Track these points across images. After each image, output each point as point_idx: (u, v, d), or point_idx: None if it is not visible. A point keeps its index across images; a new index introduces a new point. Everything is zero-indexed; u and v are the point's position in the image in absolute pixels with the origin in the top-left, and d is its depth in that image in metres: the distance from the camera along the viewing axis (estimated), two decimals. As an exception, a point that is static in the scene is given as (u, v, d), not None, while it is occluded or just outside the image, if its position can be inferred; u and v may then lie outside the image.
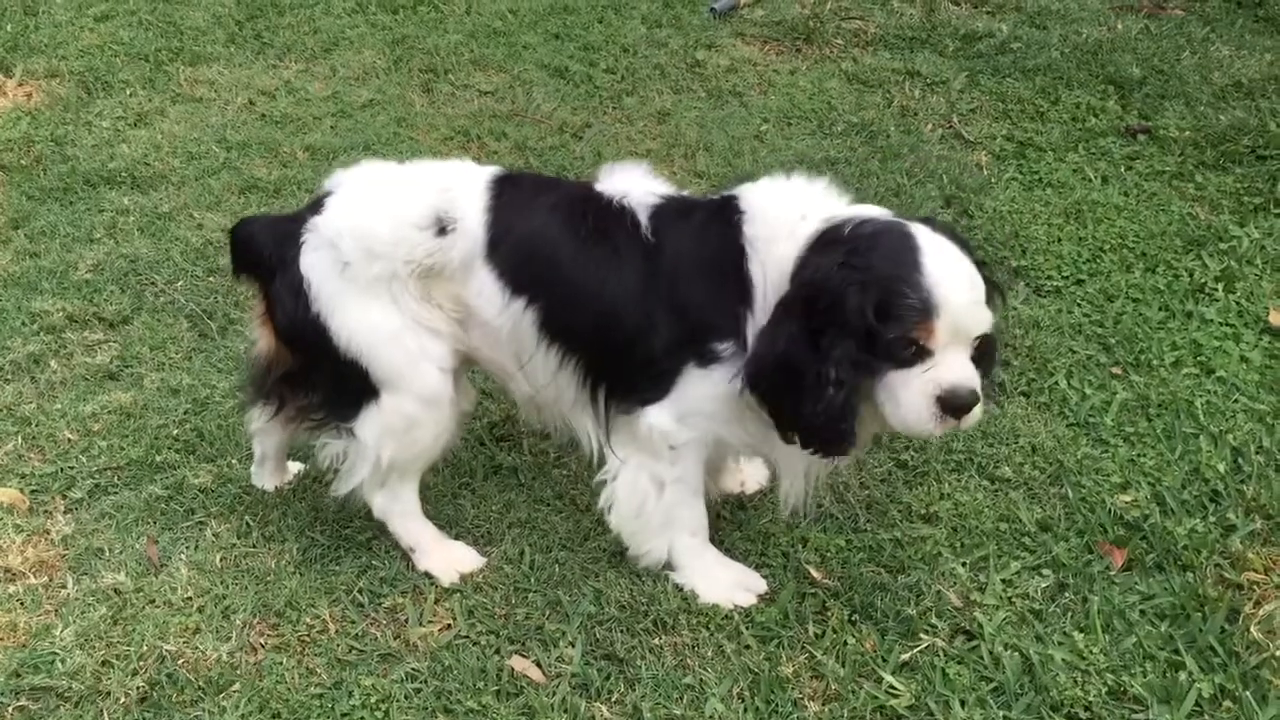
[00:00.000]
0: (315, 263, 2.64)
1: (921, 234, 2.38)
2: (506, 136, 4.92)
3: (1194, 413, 3.35)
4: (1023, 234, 4.23)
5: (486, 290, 2.64)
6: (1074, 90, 5.26)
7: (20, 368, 3.55)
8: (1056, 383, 3.49)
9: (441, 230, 2.61)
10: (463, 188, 2.67)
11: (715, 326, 2.54)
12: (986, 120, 5.08)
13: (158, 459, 3.21)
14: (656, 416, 2.62)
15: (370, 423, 2.71)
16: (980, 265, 2.43)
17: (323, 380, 2.73)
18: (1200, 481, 3.12)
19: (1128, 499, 3.07)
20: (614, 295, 2.57)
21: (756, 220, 2.54)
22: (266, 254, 2.70)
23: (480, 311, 2.67)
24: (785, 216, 2.52)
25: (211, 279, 3.99)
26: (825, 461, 2.61)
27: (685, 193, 2.75)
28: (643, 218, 2.59)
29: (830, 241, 2.42)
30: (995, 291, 2.47)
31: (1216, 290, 3.89)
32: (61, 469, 3.18)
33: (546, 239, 2.63)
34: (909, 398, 2.35)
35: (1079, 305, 3.86)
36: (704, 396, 2.57)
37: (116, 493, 3.11)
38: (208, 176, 4.62)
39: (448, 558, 2.89)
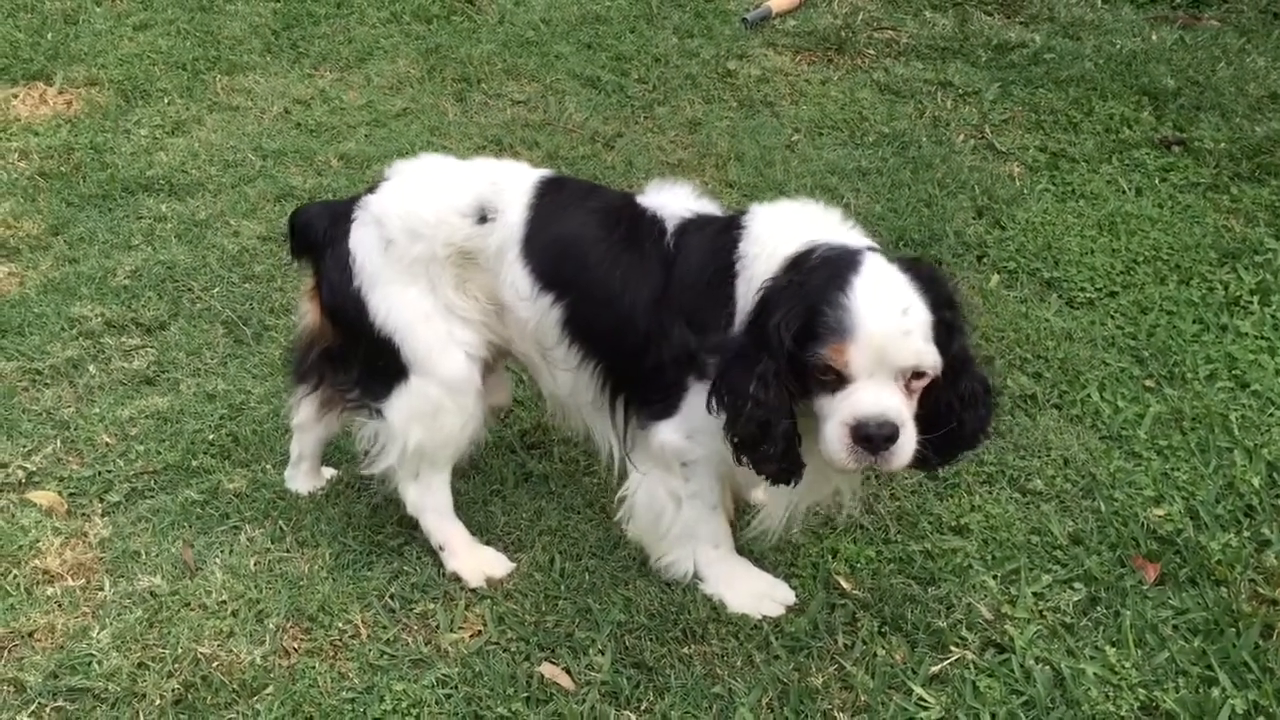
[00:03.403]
0: (362, 238, 2.75)
1: (871, 263, 2.29)
2: (539, 145, 4.95)
3: (1228, 426, 3.33)
4: (1055, 245, 4.21)
5: (517, 282, 2.70)
6: (1108, 101, 5.24)
7: (59, 372, 3.60)
8: (1089, 395, 3.47)
9: (482, 219, 2.70)
10: (510, 184, 2.75)
11: (709, 339, 2.56)
12: (1019, 131, 5.07)
13: (193, 463, 3.25)
14: (667, 434, 2.65)
15: (399, 405, 2.78)
16: (943, 305, 2.30)
17: (358, 357, 2.81)
18: (1234, 496, 3.10)
19: (1161, 513, 3.05)
20: (631, 300, 2.62)
21: (751, 238, 2.54)
22: (321, 233, 2.82)
23: (510, 303, 2.73)
24: (776, 238, 2.50)
25: (247, 285, 4.03)
26: (808, 494, 2.62)
27: (723, 211, 2.75)
28: (669, 228, 2.64)
29: (795, 265, 2.39)
30: (949, 332, 2.31)
31: (1252, 303, 3.87)
32: (99, 472, 3.22)
33: (578, 240, 2.69)
34: (828, 427, 2.29)
35: (1112, 317, 3.84)
36: (709, 415, 2.54)
37: (153, 497, 3.15)
38: (244, 184, 4.67)
39: (477, 561, 2.92)
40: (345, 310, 2.76)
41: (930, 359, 2.25)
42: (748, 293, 2.48)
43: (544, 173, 2.81)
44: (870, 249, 2.39)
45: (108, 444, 3.33)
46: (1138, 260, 4.12)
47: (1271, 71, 5.44)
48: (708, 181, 4.66)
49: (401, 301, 2.72)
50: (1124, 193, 4.57)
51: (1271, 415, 3.38)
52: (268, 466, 3.24)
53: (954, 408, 2.35)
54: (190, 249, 4.24)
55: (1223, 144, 4.83)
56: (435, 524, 2.94)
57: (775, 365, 2.29)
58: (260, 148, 4.93)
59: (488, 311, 2.77)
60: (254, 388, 3.53)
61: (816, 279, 2.29)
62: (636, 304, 2.61)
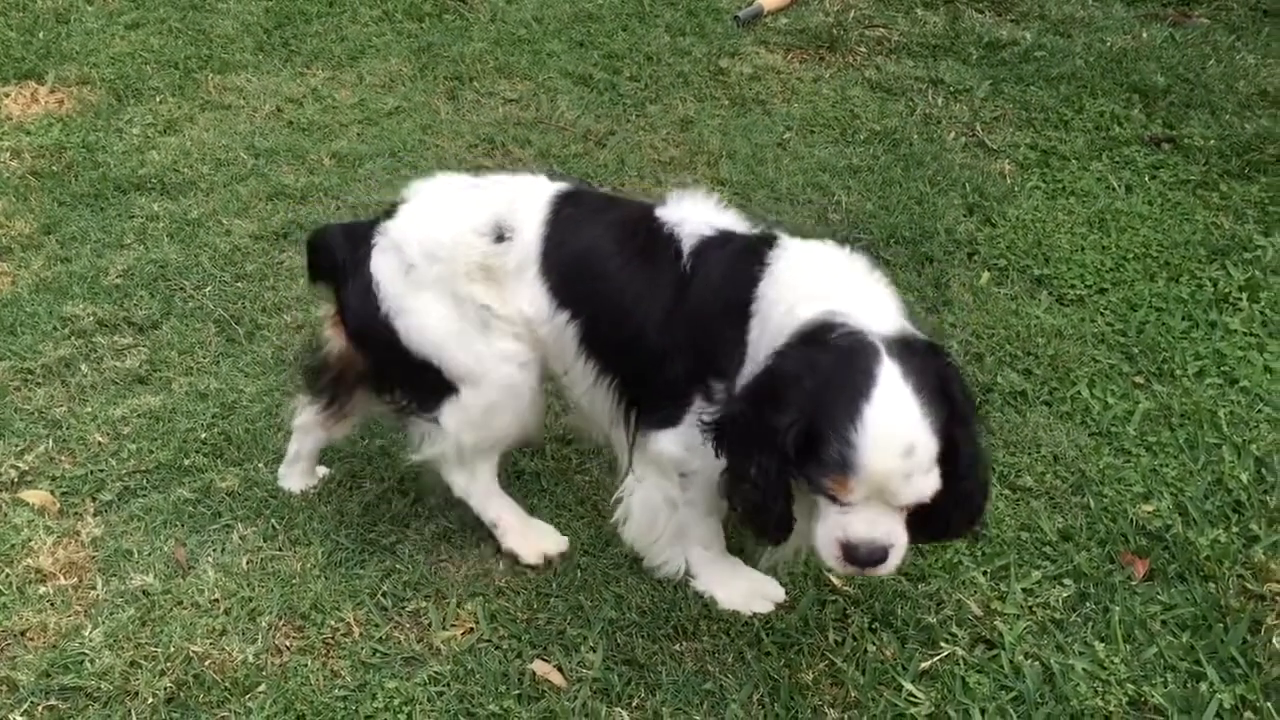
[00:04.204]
0: (383, 264, 2.75)
1: (886, 375, 2.16)
2: (531, 144, 4.95)
3: (1217, 423, 3.35)
4: (1046, 243, 4.22)
5: (537, 299, 2.70)
6: (1098, 99, 5.25)
7: (51, 371, 3.61)
8: (1079, 392, 3.49)
9: (499, 238, 2.69)
10: (526, 201, 2.73)
11: (716, 366, 2.53)
12: (1010, 129, 5.08)
13: (186, 462, 3.25)
14: (667, 443, 2.64)
15: (451, 414, 2.80)
16: (954, 422, 2.19)
17: (399, 378, 2.83)
18: (1223, 492, 3.12)
19: (1150, 509, 3.06)
20: (644, 316, 2.60)
21: (773, 280, 2.48)
22: (340, 258, 2.82)
23: (531, 319, 2.73)
24: (798, 290, 2.42)
25: (240, 284, 4.04)
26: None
27: (744, 228, 2.67)
28: (686, 246, 2.59)
29: (810, 341, 2.29)
30: (956, 451, 2.21)
31: (1241, 300, 3.89)
32: (91, 471, 3.23)
33: (593, 255, 2.68)
34: (820, 529, 2.27)
35: (1102, 314, 3.86)
36: None
37: (145, 495, 3.16)
38: (236, 183, 4.67)
39: (532, 537, 2.95)
40: (375, 336, 2.77)
41: (929, 490, 2.19)
42: (759, 340, 2.43)
43: (561, 186, 2.80)
44: (886, 342, 2.22)
45: (100, 443, 3.33)
46: (1127, 257, 4.14)
47: (1261, 69, 5.46)
48: (699, 179, 4.67)
49: (433, 323, 2.73)
50: (1114, 190, 4.59)
51: (1260, 411, 3.40)
52: (260, 465, 3.24)
53: (946, 507, 2.27)
54: (182, 248, 4.24)
55: (1212, 141, 4.85)
56: (484, 503, 2.97)
57: (775, 463, 2.25)
58: (252, 146, 4.93)
59: (517, 324, 2.76)
60: (246, 386, 3.54)
61: (827, 392, 2.18)
62: (649, 321, 2.59)
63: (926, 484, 2.17)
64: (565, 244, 2.69)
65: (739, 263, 2.54)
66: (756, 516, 2.38)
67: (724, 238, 2.62)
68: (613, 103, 5.34)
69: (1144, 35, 5.87)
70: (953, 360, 2.31)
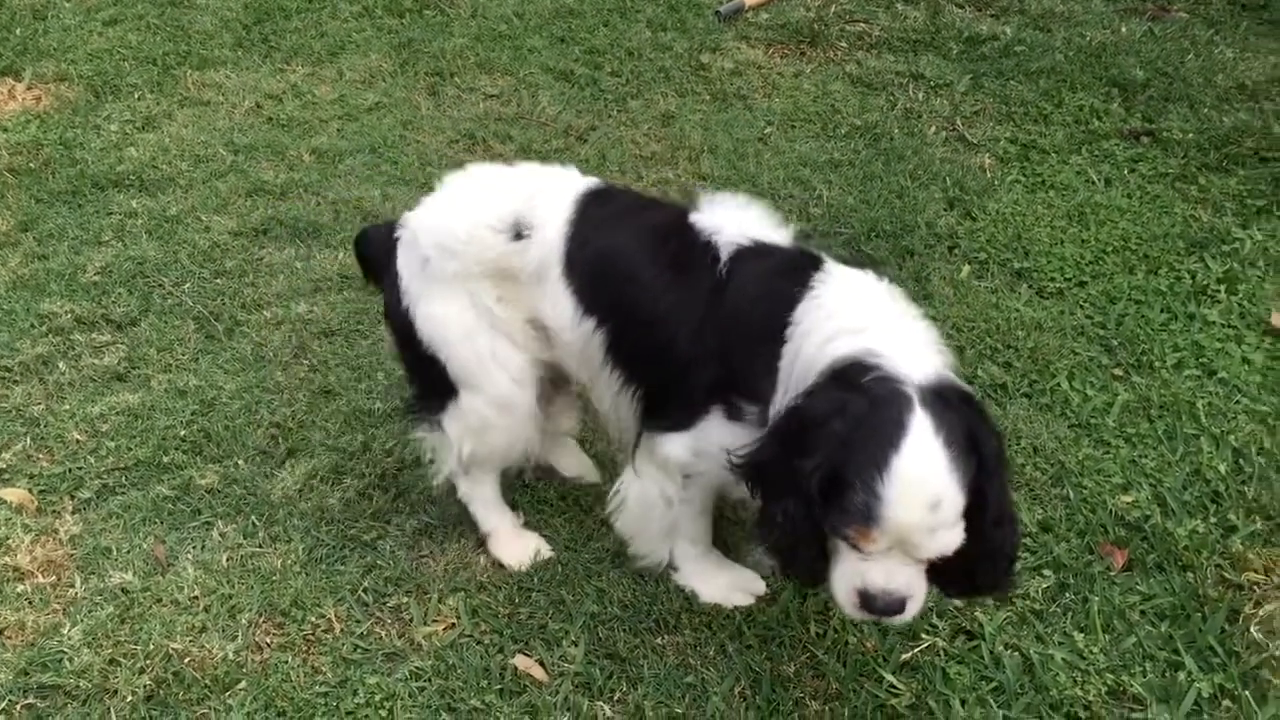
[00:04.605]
0: (404, 259, 2.72)
1: (918, 426, 2.08)
2: (512, 139, 4.94)
3: (1195, 414, 3.37)
4: (1025, 236, 4.24)
5: (560, 304, 2.62)
6: (1077, 93, 5.27)
7: (29, 369, 3.59)
8: (1058, 384, 3.50)
9: (518, 235, 2.61)
10: (549, 197, 2.64)
11: (748, 386, 2.45)
12: (990, 123, 5.10)
13: (165, 460, 3.24)
14: (674, 446, 2.57)
15: (452, 419, 2.80)
16: (982, 475, 2.12)
17: (414, 374, 2.83)
18: (1201, 482, 3.13)
19: (1129, 500, 3.08)
20: (677, 324, 2.52)
21: (812, 308, 2.37)
22: (378, 255, 2.80)
23: (553, 326, 2.66)
24: (836, 323, 2.32)
25: (219, 281, 4.02)
26: None
27: (783, 239, 2.58)
28: (723, 254, 2.50)
29: (843, 382, 2.20)
30: (983, 505, 2.13)
31: (1219, 292, 3.90)
32: (70, 469, 3.21)
33: (625, 260, 2.58)
34: (840, 574, 2.22)
35: (1081, 307, 3.87)
36: (721, 444, 2.48)
37: (124, 493, 3.14)
38: (215, 179, 4.65)
39: (519, 547, 2.96)
40: (399, 330, 2.76)
41: (953, 544, 2.12)
42: (792, 368, 2.35)
43: (589, 182, 2.71)
44: (921, 391, 2.14)
45: (78, 441, 3.31)
46: (1107, 250, 4.15)
47: (1239, 62, 5.49)
48: (680, 174, 4.67)
49: (442, 319, 2.69)
50: (1093, 183, 4.60)
51: (1238, 403, 3.42)
52: (239, 462, 3.23)
53: (972, 563, 2.21)
54: (161, 245, 4.22)
55: (1191, 135, 4.87)
56: (483, 513, 2.98)
57: (801, 508, 2.20)
58: (231, 143, 4.91)
59: (527, 332, 2.71)
60: (226, 383, 3.52)
61: (856, 438, 2.11)
62: (681, 329, 2.51)
63: (950, 538, 2.11)
64: (592, 246, 2.59)
65: (779, 281, 2.44)
66: (786, 561, 2.33)
67: (763, 250, 2.52)
68: (594, 98, 5.33)
69: (1123, 30, 5.89)
70: (984, 410, 2.24)
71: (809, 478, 2.14)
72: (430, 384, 2.78)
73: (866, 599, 2.19)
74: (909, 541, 2.10)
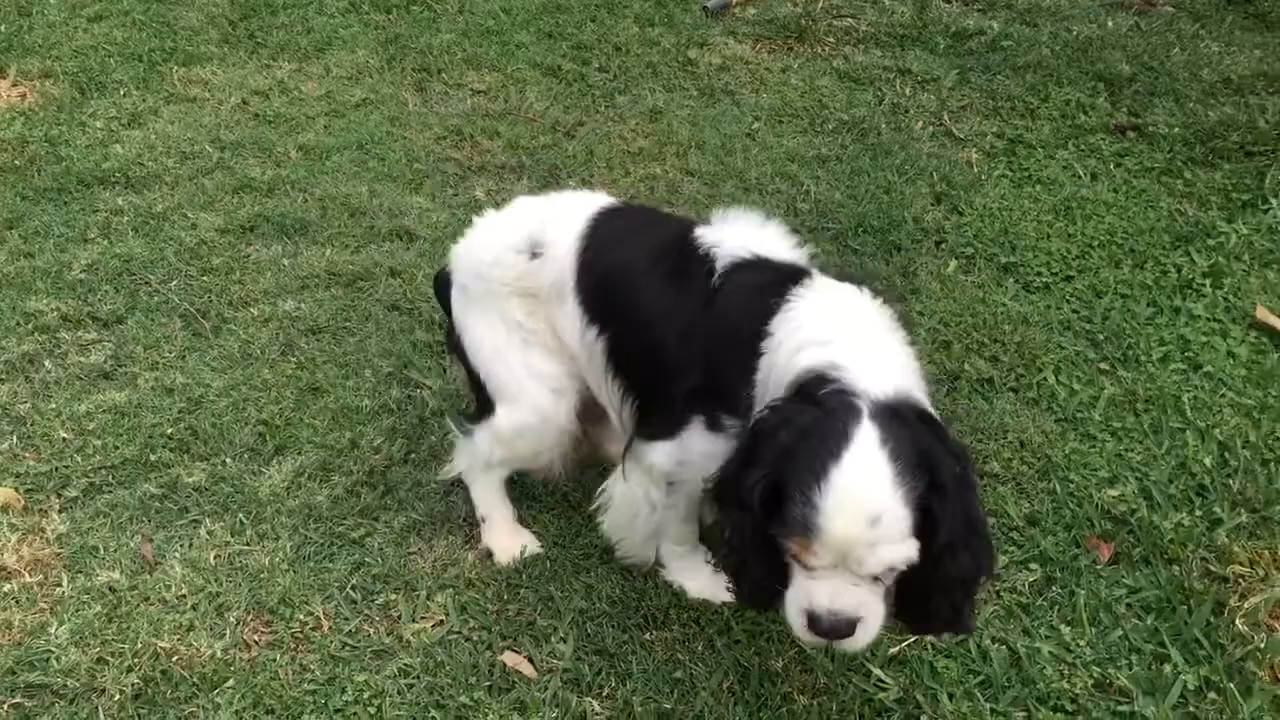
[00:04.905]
0: (454, 290, 2.89)
1: (862, 438, 2.05)
2: (499, 135, 4.94)
3: (1181, 408, 3.38)
4: (1012, 231, 4.25)
5: (571, 317, 2.70)
6: (1064, 87, 5.28)
7: (15, 367, 3.57)
8: (1045, 378, 3.51)
9: (534, 255, 2.72)
10: (563, 217, 2.74)
11: (727, 397, 2.45)
12: (977, 118, 5.11)
13: (152, 458, 3.23)
14: (659, 456, 2.58)
15: (484, 431, 2.88)
16: (933, 491, 2.05)
17: (474, 394, 2.94)
18: (1187, 476, 3.15)
19: (1115, 493, 3.09)
20: (664, 329, 2.54)
21: (787, 320, 2.37)
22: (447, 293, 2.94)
23: (566, 339, 2.73)
24: (806, 334, 2.31)
25: (205, 278, 4.01)
26: None
27: (786, 254, 2.56)
28: (719, 266, 2.51)
29: (802, 394, 2.20)
30: (935, 523, 2.06)
31: (1204, 286, 3.92)
32: (56, 468, 3.20)
33: (626, 270, 2.63)
34: (790, 595, 2.17)
35: (1068, 301, 3.88)
36: (703, 454, 2.49)
37: (111, 491, 3.13)
38: (201, 176, 4.63)
39: (511, 541, 2.96)
40: (459, 357, 2.92)
41: (902, 560, 2.07)
42: (766, 381, 2.35)
43: (605, 202, 2.78)
44: (873, 405, 2.10)
45: (65, 439, 3.30)
46: (1093, 245, 4.17)
47: (1225, 56, 5.50)
48: (668, 170, 4.67)
49: (479, 339, 2.82)
50: (1079, 178, 4.62)
51: (1223, 396, 3.43)
52: (227, 460, 3.22)
53: (928, 589, 2.16)
54: (147, 242, 4.21)
55: (1176, 129, 4.89)
56: (484, 498, 3.00)
57: (747, 521, 2.17)
58: (218, 139, 4.89)
59: (558, 345, 2.77)
60: (212, 381, 3.51)
61: (800, 449, 2.08)
62: (668, 337, 2.53)
63: (894, 554, 2.05)
64: (599, 260, 2.66)
65: (762, 294, 2.43)
66: (736, 579, 2.31)
67: (759, 264, 2.52)
68: (581, 94, 5.33)
69: (1109, 24, 5.91)
70: (944, 430, 2.18)
71: (752, 489, 2.11)
72: (479, 401, 2.91)
73: (813, 620, 2.13)
74: (851, 556, 2.05)
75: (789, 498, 2.05)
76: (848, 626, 2.13)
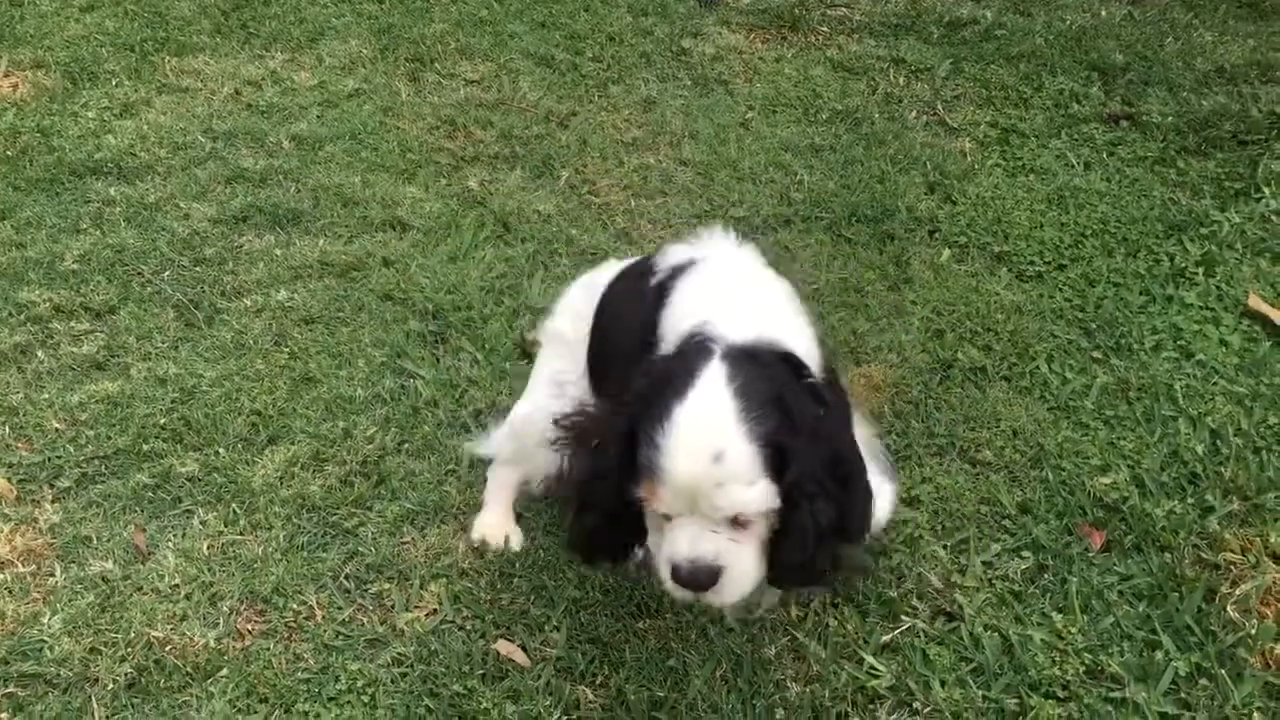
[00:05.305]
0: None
1: (708, 377, 2.04)
2: (493, 125, 4.93)
3: (1173, 396, 3.38)
4: (1005, 220, 4.25)
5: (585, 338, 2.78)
6: (1057, 77, 5.28)
7: (7, 358, 3.57)
8: (1038, 367, 3.52)
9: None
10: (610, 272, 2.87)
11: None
12: (970, 107, 5.10)
13: (145, 448, 3.23)
14: None
15: (503, 424, 3.04)
16: (784, 431, 2.02)
17: None
18: (1179, 464, 3.15)
19: (1107, 481, 3.09)
20: (617, 331, 2.62)
21: (675, 300, 2.38)
22: None
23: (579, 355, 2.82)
24: (686, 307, 2.33)
25: (198, 269, 4.00)
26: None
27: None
28: (660, 274, 2.52)
29: (679, 352, 2.19)
30: (784, 460, 2.03)
31: (1197, 275, 3.92)
32: (49, 458, 3.20)
33: (612, 302, 2.73)
34: (659, 557, 2.15)
35: (1060, 290, 3.89)
36: None
37: (104, 481, 3.13)
38: (194, 166, 4.62)
39: (496, 531, 2.96)
40: None
41: (755, 503, 2.03)
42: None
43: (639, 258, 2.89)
44: (727, 348, 2.11)
45: (57, 429, 3.30)
46: (1086, 234, 4.17)
47: (1218, 46, 5.50)
48: (661, 160, 4.67)
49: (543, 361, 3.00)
50: (1073, 167, 4.62)
51: (1215, 384, 3.44)
52: (220, 450, 3.22)
53: (783, 538, 2.11)
54: (140, 232, 4.20)
55: (1170, 118, 4.89)
56: (493, 486, 3.03)
57: (606, 474, 2.14)
58: (210, 130, 4.88)
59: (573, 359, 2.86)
60: (205, 371, 3.51)
61: (652, 394, 2.08)
62: (621, 336, 2.57)
63: (744, 496, 2.01)
64: (610, 288, 2.78)
65: (665, 282, 2.45)
66: (574, 535, 2.30)
67: (690, 264, 2.51)
68: (575, 83, 5.32)
69: (1103, 13, 5.91)
70: (807, 372, 2.14)
71: (610, 439, 2.11)
72: None
73: (675, 570, 2.10)
74: (698, 498, 2.02)
75: (639, 443, 2.04)
76: (708, 576, 2.08)
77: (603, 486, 2.14)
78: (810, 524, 2.07)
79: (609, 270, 2.90)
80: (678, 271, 2.50)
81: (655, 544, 2.20)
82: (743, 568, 2.11)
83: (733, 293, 2.34)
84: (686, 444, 2.00)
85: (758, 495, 2.03)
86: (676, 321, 2.30)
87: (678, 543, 2.08)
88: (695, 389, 2.03)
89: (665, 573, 2.13)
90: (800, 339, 2.28)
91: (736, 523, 2.07)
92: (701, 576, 2.08)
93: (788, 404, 2.05)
